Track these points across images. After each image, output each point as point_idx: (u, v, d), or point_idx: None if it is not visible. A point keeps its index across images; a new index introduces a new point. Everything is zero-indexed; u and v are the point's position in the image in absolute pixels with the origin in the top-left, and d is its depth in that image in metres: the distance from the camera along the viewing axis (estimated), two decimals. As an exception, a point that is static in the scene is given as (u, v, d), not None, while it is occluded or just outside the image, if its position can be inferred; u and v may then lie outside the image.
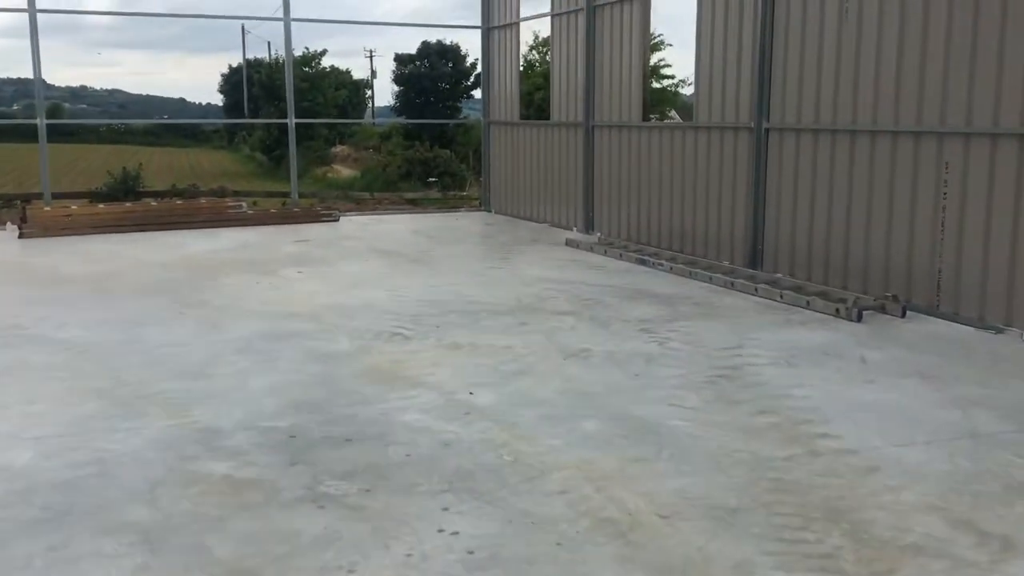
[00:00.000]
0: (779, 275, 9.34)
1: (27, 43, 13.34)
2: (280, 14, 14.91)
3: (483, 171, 16.61)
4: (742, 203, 10.04)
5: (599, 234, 12.87)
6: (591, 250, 11.45)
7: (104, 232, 12.98)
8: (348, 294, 8.69)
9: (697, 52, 10.64)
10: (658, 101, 30.90)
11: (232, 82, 73.21)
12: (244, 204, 14.83)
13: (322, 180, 41.88)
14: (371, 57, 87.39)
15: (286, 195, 19.44)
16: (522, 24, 15.11)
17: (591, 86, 12.84)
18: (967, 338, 7.00)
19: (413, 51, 53.92)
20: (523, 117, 15.89)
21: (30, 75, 13.63)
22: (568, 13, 13.30)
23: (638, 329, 7.25)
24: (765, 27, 9.39)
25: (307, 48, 53.01)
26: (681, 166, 11.04)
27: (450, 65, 54.46)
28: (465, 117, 51.32)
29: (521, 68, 15.45)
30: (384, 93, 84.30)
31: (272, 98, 51.92)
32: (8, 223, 13.57)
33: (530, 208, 14.88)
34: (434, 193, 24.01)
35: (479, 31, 16.04)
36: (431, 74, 53.31)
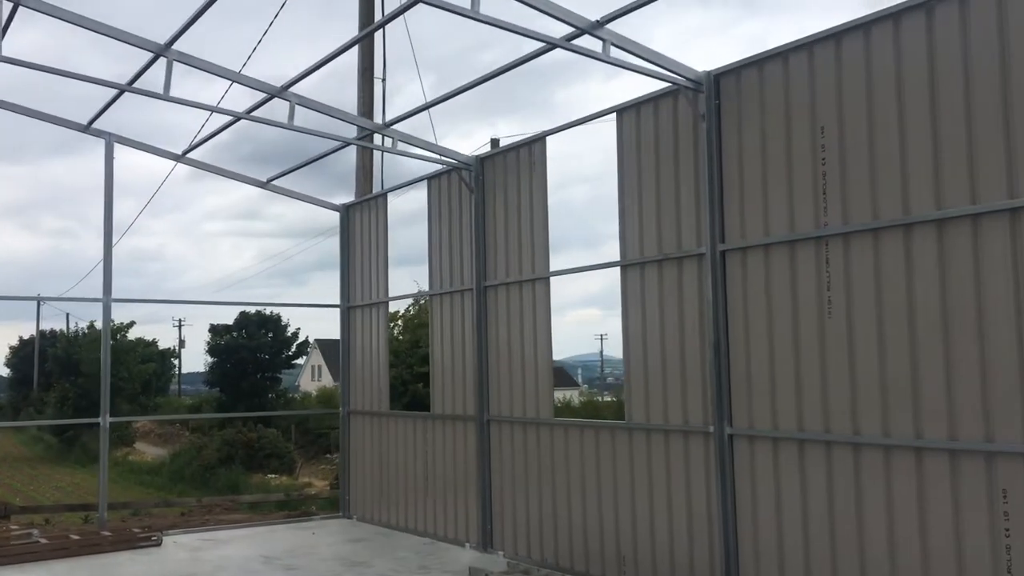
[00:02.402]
0: (770, 620, 7.37)
1: None
2: (96, 293, 12.46)
3: (341, 470, 14.09)
4: (703, 520, 8.16)
5: (501, 553, 10.55)
6: (507, 583, 9.10)
7: None
8: None
9: (626, 347, 9.13)
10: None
11: (21, 355, 67.25)
12: (35, 531, 11.49)
13: (123, 464, 37.11)
14: (180, 326, 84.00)
15: (88, 508, 15.84)
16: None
17: (484, 375, 11.02)
18: None
19: (230, 321, 51.39)
20: (394, 407, 13.76)
21: None
22: (452, 293, 11.69)
23: None
24: (718, 321, 8.02)
25: (113, 320, 49.38)
26: (612, 470, 9.16)
27: (270, 335, 52.16)
28: (296, 390, 48.49)
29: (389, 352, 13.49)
30: (194, 362, 79.84)
31: (68, 373, 47.20)
32: None
33: (406, 516, 12.40)
34: (275, 492, 20.83)
35: (337, 310, 14.16)
36: (249, 344, 50.59)
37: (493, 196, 11.00)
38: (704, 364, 8.22)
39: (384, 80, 16.25)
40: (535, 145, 10.39)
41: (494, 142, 20.48)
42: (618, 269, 9.23)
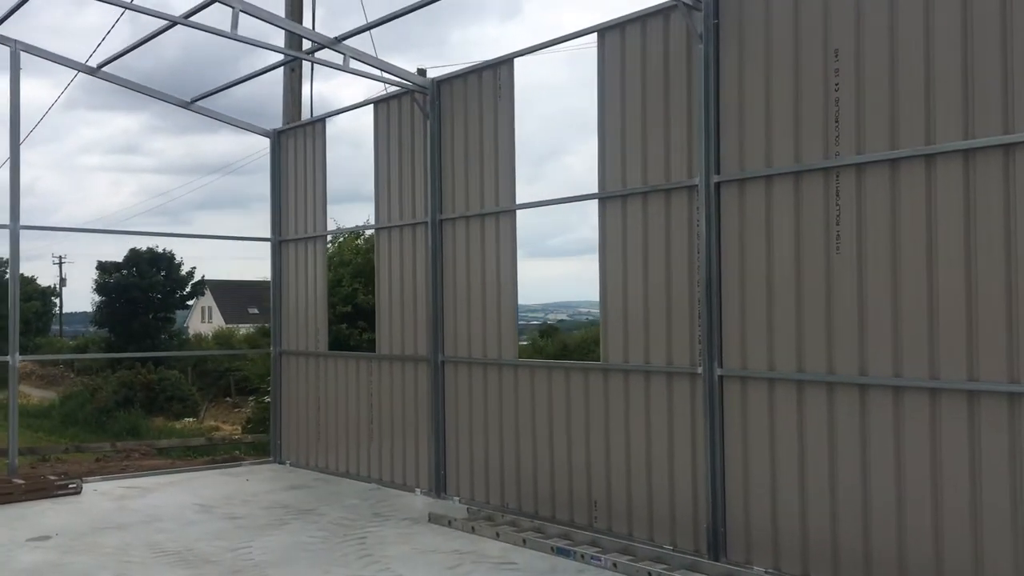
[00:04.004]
0: (759, 569, 7.14)
1: None
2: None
3: (273, 413, 13.28)
4: (686, 465, 7.85)
5: (456, 499, 10.07)
6: (473, 530, 8.62)
7: None
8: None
9: (602, 282, 8.64)
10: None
11: None
12: (-63, 479, 10.36)
13: (4, 406, 34.90)
14: (60, 263, 79.76)
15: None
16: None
17: (439, 314, 10.40)
18: None
19: (119, 258, 48.94)
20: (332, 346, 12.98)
21: None
22: (403, 227, 10.95)
23: None
24: (711, 257, 7.61)
25: (-8, 253, 46.24)
26: (584, 413, 8.74)
27: (162, 273, 49.97)
28: (186, 332, 46.53)
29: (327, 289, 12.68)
30: (79, 301, 75.75)
31: (-58, 311, 44.08)
32: None
33: (347, 462, 11.75)
34: (181, 436, 19.71)
35: (268, 243, 13.22)
36: (140, 283, 48.34)
37: (451, 122, 10.27)
38: (692, 302, 7.82)
39: (314, -3, 15.07)
40: (502, 67, 9.68)
41: (421, 71, 19.53)
42: (595, 202, 8.72)
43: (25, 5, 9.91)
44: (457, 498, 10.08)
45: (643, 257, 8.24)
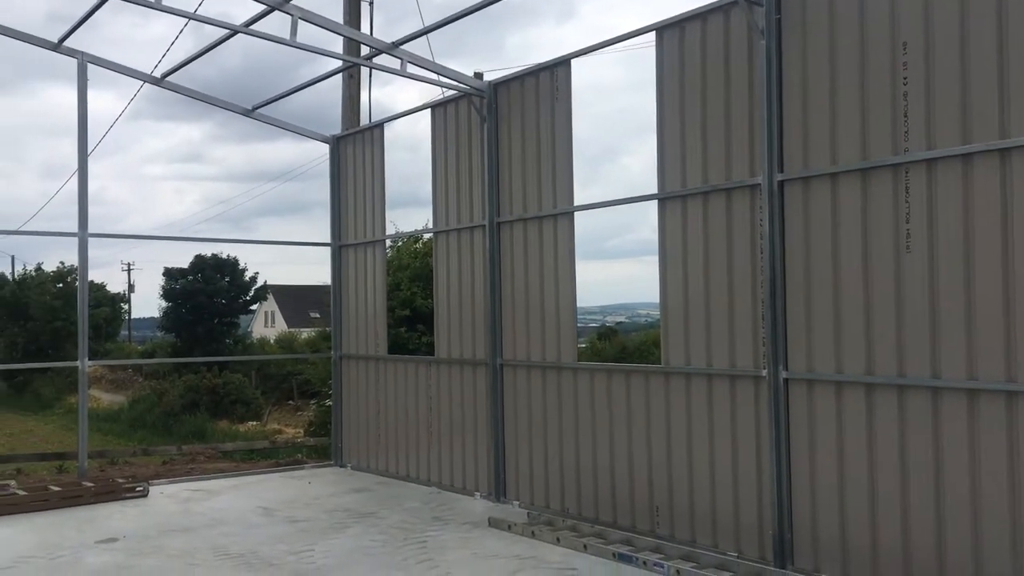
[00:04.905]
0: None
1: None
2: (72, 227, 11.48)
3: (334, 416, 13.39)
4: (751, 470, 7.67)
5: (516, 503, 10.02)
6: (533, 535, 8.55)
7: None
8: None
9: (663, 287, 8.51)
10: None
11: (-36, 298, 64.85)
12: (11, 482, 10.63)
13: (76, 410, 35.88)
14: (129, 270, 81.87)
15: (63, 457, 14.97)
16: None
17: (497, 318, 10.36)
18: None
19: (184, 264, 49.98)
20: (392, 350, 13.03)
21: None
22: (461, 230, 10.95)
23: None
24: (774, 257, 7.43)
25: (62, 263, 47.66)
26: (645, 417, 8.62)
27: (226, 279, 50.87)
28: (250, 336, 47.37)
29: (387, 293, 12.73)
30: (147, 307, 77.79)
31: (17, 317, 45.48)
32: None
33: (407, 465, 11.79)
34: (244, 439, 20.04)
35: (328, 248, 13.34)
36: (206, 289, 49.28)
37: (508, 125, 10.23)
38: (755, 304, 7.65)
39: (372, 3, 15.19)
40: (559, 68, 9.61)
41: (477, 75, 19.57)
42: (654, 203, 8.60)
43: (91, 18, 10.17)
44: (517, 502, 10.03)
45: (704, 257, 8.09)
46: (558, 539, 8.31)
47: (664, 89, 8.46)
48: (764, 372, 7.52)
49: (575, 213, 9.52)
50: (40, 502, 10.10)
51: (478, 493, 10.56)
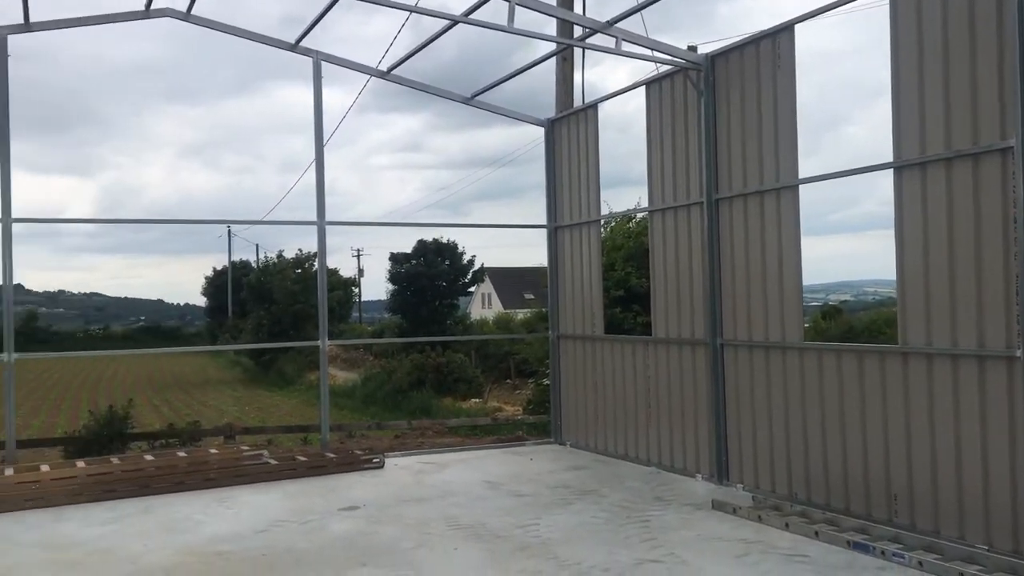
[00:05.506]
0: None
1: (-2, 256, 10.59)
2: (312, 216, 12.34)
3: (552, 395, 13.64)
4: (1003, 457, 7.05)
5: (740, 486, 9.78)
6: (759, 519, 8.32)
7: (84, 503, 9.71)
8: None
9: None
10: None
11: (216, 284, 71.42)
12: (264, 452, 11.64)
13: (315, 387, 38.65)
14: (359, 256, 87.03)
15: (306, 430, 16.22)
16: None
17: (717, 296, 10.13)
18: None
19: (408, 249, 52.47)
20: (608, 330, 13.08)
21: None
22: (677, 208, 10.77)
23: None
24: None
25: (300, 249, 51.35)
26: (881, 399, 8.13)
27: (447, 263, 52.93)
28: (469, 317, 49.14)
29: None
30: (375, 290, 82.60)
31: (262, 301, 49.54)
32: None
33: (625, 444, 11.81)
34: (478, 416, 20.86)
35: (544, 231, 13.55)
36: (428, 272, 51.53)
37: (727, 98, 9.93)
38: (1008, 278, 7.00)
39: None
40: (781, 35, 9.21)
41: (691, 48, 19.10)
42: (888, 172, 8.06)
43: (323, 19, 10.83)
44: (741, 485, 9.79)
45: (947, 229, 7.50)
46: (787, 524, 8.04)
47: (900, 49, 7.89)
48: (1019, 352, 6.88)
49: (799, 187, 9.11)
50: (289, 471, 10.97)
51: (699, 475, 10.40)
